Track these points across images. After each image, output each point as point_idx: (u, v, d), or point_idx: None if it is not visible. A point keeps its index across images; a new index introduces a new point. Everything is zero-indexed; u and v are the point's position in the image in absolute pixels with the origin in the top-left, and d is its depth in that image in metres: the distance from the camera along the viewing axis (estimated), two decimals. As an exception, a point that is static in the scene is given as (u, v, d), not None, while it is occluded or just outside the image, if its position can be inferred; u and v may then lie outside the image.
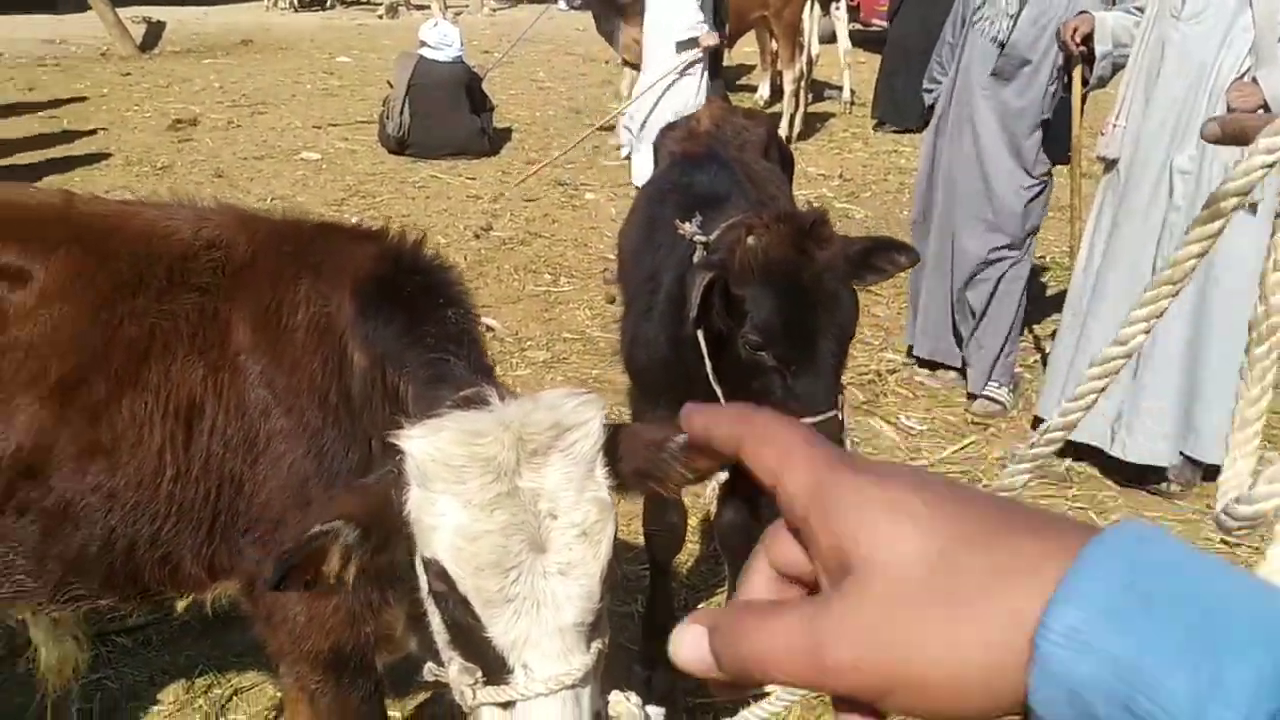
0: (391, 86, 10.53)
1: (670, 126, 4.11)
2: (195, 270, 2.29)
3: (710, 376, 2.89)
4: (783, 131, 10.34)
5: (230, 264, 2.31)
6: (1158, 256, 4.67)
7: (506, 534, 1.70)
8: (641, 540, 3.80)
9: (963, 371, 5.94)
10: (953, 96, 5.53)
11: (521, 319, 6.63)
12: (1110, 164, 4.86)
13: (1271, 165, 0.57)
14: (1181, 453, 4.87)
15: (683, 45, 7.87)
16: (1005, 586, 0.52)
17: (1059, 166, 5.65)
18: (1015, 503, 0.58)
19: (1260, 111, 4.07)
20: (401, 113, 10.17)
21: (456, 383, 1.99)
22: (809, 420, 2.69)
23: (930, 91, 5.74)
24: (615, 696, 1.93)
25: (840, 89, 13.20)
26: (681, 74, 7.90)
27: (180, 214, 2.41)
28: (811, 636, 0.57)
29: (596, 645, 1.80)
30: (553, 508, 1.72)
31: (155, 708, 3.53)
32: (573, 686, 1.74)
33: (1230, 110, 4.15)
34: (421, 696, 3.58)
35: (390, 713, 2.66)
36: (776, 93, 12.32)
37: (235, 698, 3.59)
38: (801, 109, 11.61)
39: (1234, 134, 2.63)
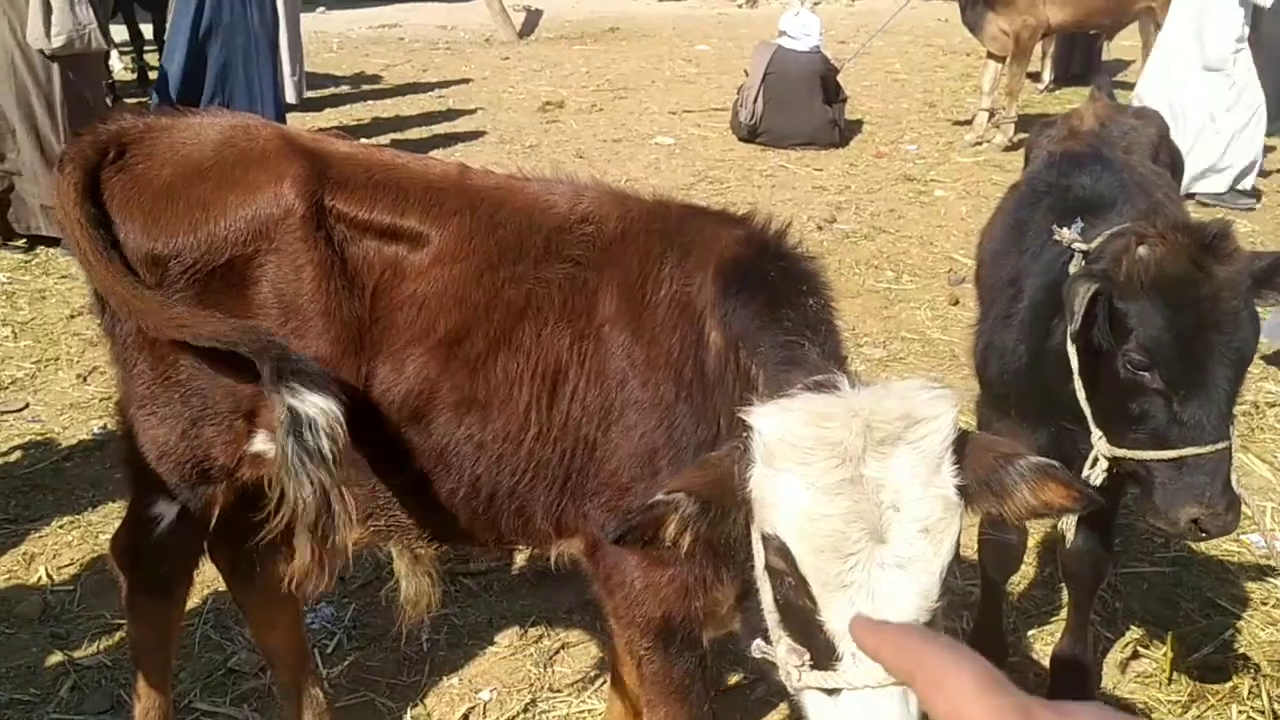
0: (747, 75, 10.66)
1: (1048, 124, 3.85)
2: (570, 242, 2.41)
3: (1079, 395, 2.69)
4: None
5: (601, 238, 2.41)
6: None
7: (846, 520, 1.68)
8: (974, 554, 3.63)
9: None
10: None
11: (859, 315, 6.51)
12: None
13: None
14: None
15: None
16: None
17: None
18: None
19: None
20: (755, 101, 10.27)
21: (809, 368, 1.99)
22: (1196, 451, 2.44)
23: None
24: None
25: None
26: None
27: (559, 189, 2.54)
28: None
29: None
30: (896, 499, 1.69)
31: (491, 649, 3.79)
32: (902, 684, 1.69)
33: None
34: (736, 679, 3.62)
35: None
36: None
37: (562, 651, 3.78)
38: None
39: None
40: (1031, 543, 3.95)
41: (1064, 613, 3.73)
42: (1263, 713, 3.51)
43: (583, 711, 3.52)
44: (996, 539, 3.40)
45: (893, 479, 1.70)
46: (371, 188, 2.45)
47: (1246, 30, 8.56)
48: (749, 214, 2.46)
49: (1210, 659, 3.74)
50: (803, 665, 1.80)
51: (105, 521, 4.35)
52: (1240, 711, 3.52)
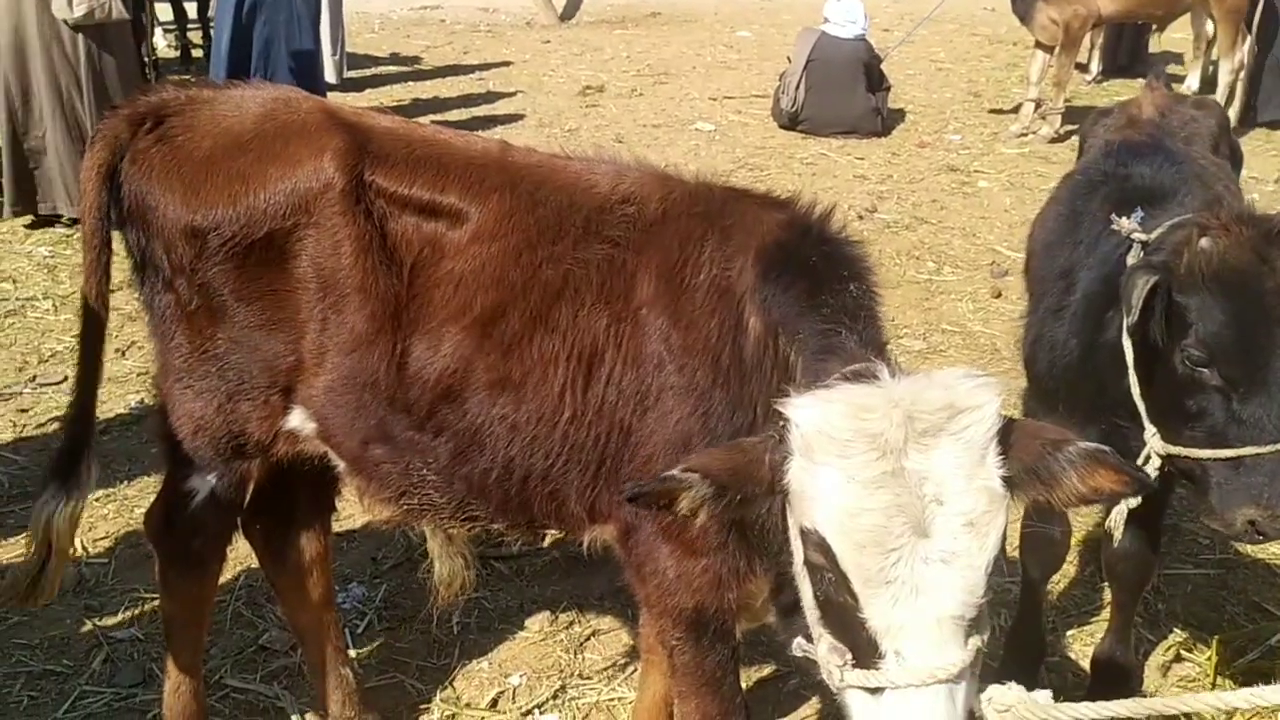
0: (790, 61, 10.54)
1: (1103, 113, 3.75)
2: (610, 223, 2.37)
3: (1133, 390, 2.61)
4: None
5: (642, 220, 2.37)
6: None
7: (889, 514, 1.65)
8: (1014, 550, 3.55)
9: None
10: None
11: (899, 306, 6.42)
12: None
13: None
14: None
15: None
16: None
17: None
18: None
19: None
20: (797, 88, 10.16)
21: (846, 356, 1.95)
22: (1255, 450, 2.37)
23: None
24: (997, 688, 1.81)
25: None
26: None
27: (601, 169, 2.50)
28: None
29: (975, 642, 1.71)
30: (939, 492, 1.66)
31: (521, 633, 3.77)
32: (946, 681, 1.65)
33: None
34: (768, 670, 3.57)
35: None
36: (1206, 85, 11.07)
37: (593, 638, 3.76)
38: (1239, 103, 10.38)
39: None
40: (1074, 541, 3.86)
41: (1105, 613, 3.67)
42: (1309, 720, 3.42)
43: (613, 699, 3.49)
44: (1039, 535, 3.33)
45: (936, 471, 1.66)
46: (412, 163, 2.43)
47: None
48: (792, 198, 2.41)
49: (1256, 664, 3.66)
50: (845, 665, 1.77)
51: (141, 495, 4.37)
52: (1287, 719, 3.44)
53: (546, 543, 4.14)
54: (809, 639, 1.90)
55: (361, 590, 3.94)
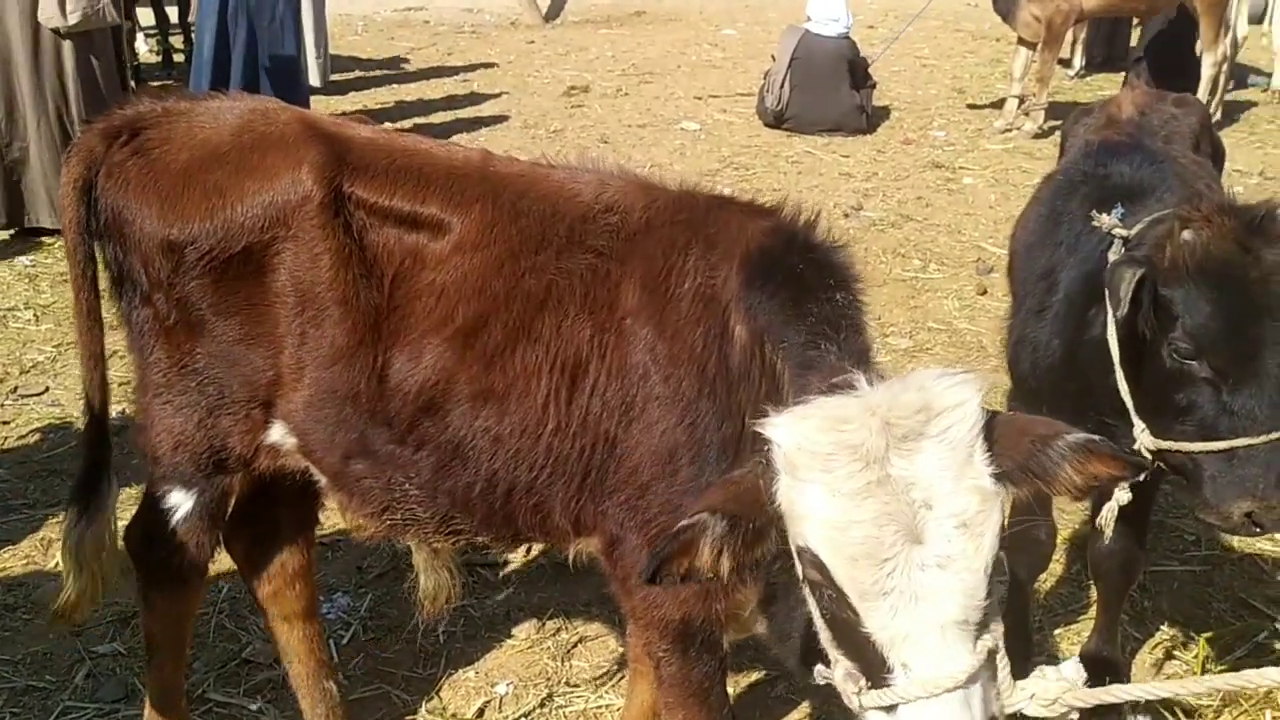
0: (774, 60, 10.53)
1: (1084, 112, 3.75)
2: (593, 232, 2.35)
3: (1120, 387, 2.60)
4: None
5: (626, 229, 2.35)
6: None
7: (879, 524, 1.63)
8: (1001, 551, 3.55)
9: None
10: None
11: (885, 304, 6.41)
12: None
13: None
14: None
15: None
16: None
17: None
18: None
19: None
20: (782, 86, 10.14)
21: (826, 370, 1.93)
22: (1248, 441, 2.37)
23: None
24: (1034, 682, 1.80)
25: (1268, 76, 11.71)
26: None
27: (584, 177, 2.48)
28: None
29: (985, 643, 1.68)
30: (928, 496, 1.64)
31: (509, 641, 3.75)
32: (957, 689, 1.63)
33: None
34: (755, 676, 3.56)
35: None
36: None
37: (580, 645, 3.73)
38: (1220, 96, 10.41)
39: None
40: (1060, 539, 3.86)
41: (1092, 612, 3.66)
42: (1297, 717, 3.42)
43: (600, 706, 3.47)
44: (1025, 535, 3.33)
45: (922, 475, 1.64)
46: (392, 174, 2.41)
47: None
48: (778, 204, 2.39)
49: (1243, 662, 3.65)
50: (860, 689, 1.74)
51: (123, 508, 4.23)
52: (1274, 716, 3.44)
53: (532, 551, 4.12)
54: (827, 664, 1.87)
55: (346, 600, 3.92)
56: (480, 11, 16.93)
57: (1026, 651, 3.52)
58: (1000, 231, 7.64)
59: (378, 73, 12.53)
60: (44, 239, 7.02)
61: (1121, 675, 3.53)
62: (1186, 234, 2.43)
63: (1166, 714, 3.48)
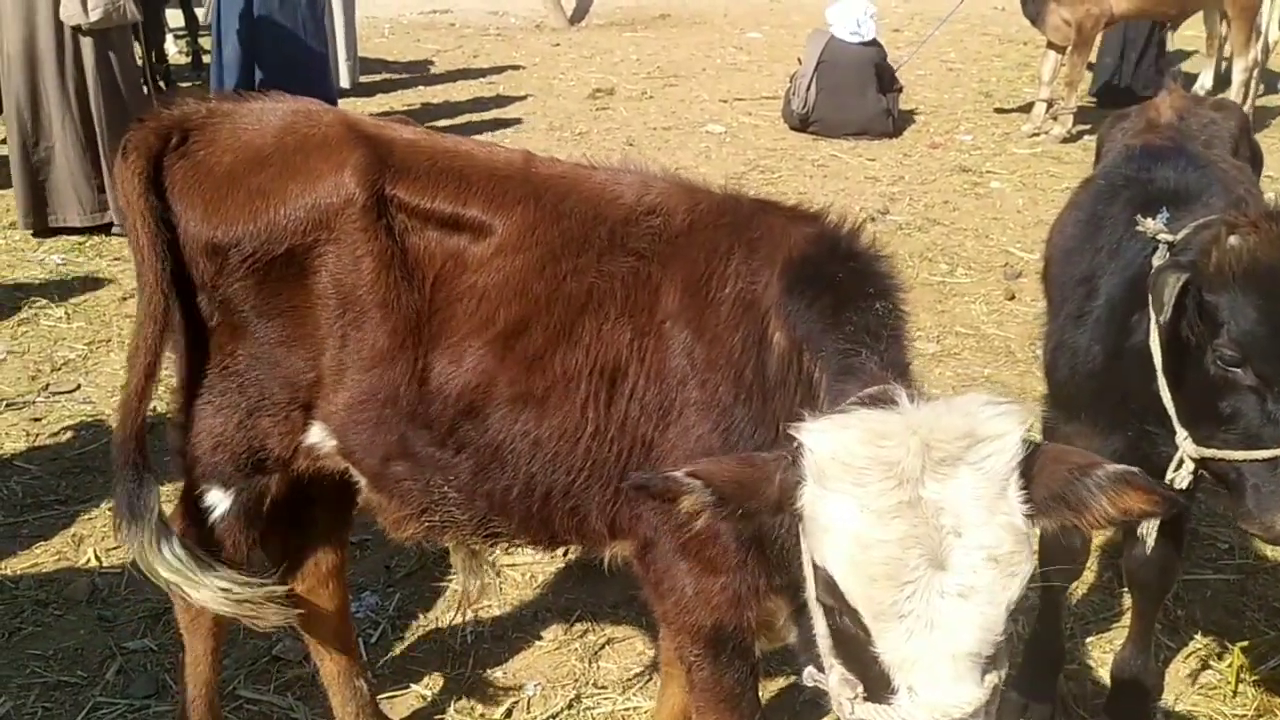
0: (800, 63, 10.51)
1: (1122, 116, 3.72)
2: (635, 235, 2.34)
3: (1163, 394, 2.58)
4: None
5: (668, 232, 2.34)
6: None
7: (904, 545, 1.61)
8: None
9: None
10: None
11: (913, 308, 6.32)
12: None
13: None
14: None
15: None
16: None
17: None
18: None
19: None
20: (808, 89, 10.12)
21: (866, 378, 1.92)
22: None
23: None
24: None
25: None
26: None
27: (627, 179, 2.47)
28: None
29: (992, 679, 1.66)
30: (957, 524, 1.61)
31: (536, 643, 3.75)
32: (962, 718, 1.62)
33: None
34: (784, 682, 3.55)
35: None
36: (1220, 83, 11.01)
37: (608, 647, 3.73)
38: (1252, 101, 10.32)
39: None
40: (1093, 547, 3.83)
41: (1125, 620, 3.63)
42: (1332, 729, 3.39)
43: (628, 709, 3.47)
44: (1059, 542, 3.30)
45: (954, 502, 1.62)
46: (434, 176, 2.41)
47: None
48: (821, 211, 2.37)
49: (1278, 672, 3.62)
50: (856, 698, 1.73)
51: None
52: (1309, 728, 3.41)
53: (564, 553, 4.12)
54: (820, 668, 1.87)
55: (375, 599, 3.93)
56: (505, 14, 16.98)
57: (1059, 660, 3.50)
58: (1028, 236, 7.61)
59: (404, 75, 12.59)
60: (74, 238, 7.08)
61: (1154, 688, 3.50)
62: (1233, 239, 2.40)
63: (1200, 722, 3.46)
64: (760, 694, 2.57)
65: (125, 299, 6.24)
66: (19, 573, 3.96)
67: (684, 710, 2.86)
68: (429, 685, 3.56)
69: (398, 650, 3.71)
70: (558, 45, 14.74)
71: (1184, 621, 3.90)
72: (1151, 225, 2.63)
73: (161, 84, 8.77)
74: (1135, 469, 1.74)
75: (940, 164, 9.44)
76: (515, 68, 13.09)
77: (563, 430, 2.33)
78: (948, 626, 1.60)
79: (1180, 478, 2.62)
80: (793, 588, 2.17)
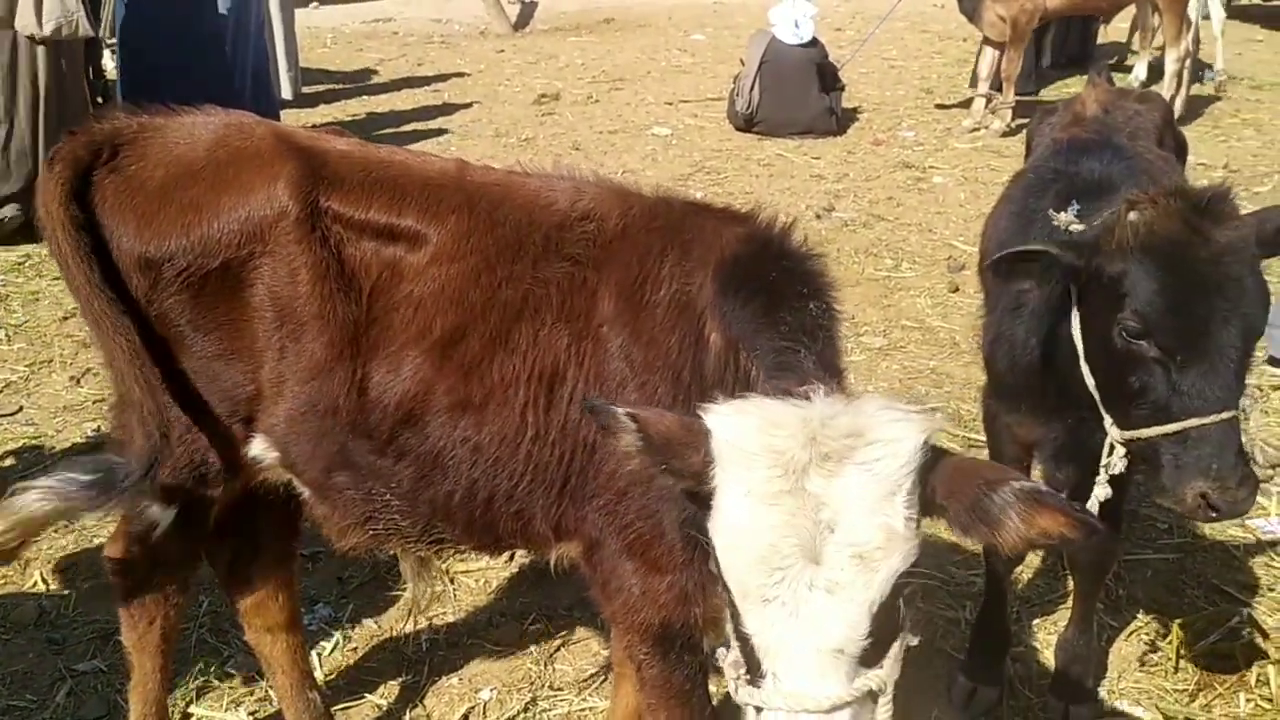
0: (743, 64, 10.59)
1: (1049, 111, 3.80)
2: (569, 240, 2.37)
3: (1086, 378, 2.63)
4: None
5: (602, 236, 2.37)
6: None
7: (779, 533, 1.63)
8: (976, 543, 3.60)
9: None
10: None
11: (859, 304, 6.46)
12: None
13: None
14: None
15: None
16: None
17: None
18: None
19: None
20: (751, 90, 10.20)
21: (800, 376, 1.93)
22: (1198, 422, 2.38)
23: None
24: None
25: (1209, 67, 11.84)
26: None
27: (561, 185, 2.49)
28: None
29: (866, 681, 1.67)
30: (834, 519, 1.63)
31: (491, 648, 3.76)
32: (815, 713, 1.65)
33: None
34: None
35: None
36: (1152, 74, 11.24)
37: (563, 649, 3.75)
38: (1184, 91, 10.55)
39: None
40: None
41: (1069, 602, 3.71)
42: (1271, 700, 3.48)
43: (584, 709, 3.49)
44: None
45: (835, 498, 1.63)
46: (368, 186, 2.41)
47: None
48: (752, 211, 2.40)
49: (1217, 646, 3.72)
50: (739, 679, 1.76)
51: (100, 525, 4.30)
52: (1249, 699, 3.50)
53: (514, 557, 4.13)
54: (728, 648, 1.88)
55: (328, 611, 3.92)
56: (449, 21, 16.91)
57: (1005, 643, 3.57)
58: (971, 229, 7.72)
59: (348, 85, 12.50)
60: (14, 257, 6.96)
61: (1097, 667, 3.58)
62: (1132, 215, 2.43)
63: (1141, 699, 3.54)
64: (711, 690, 2.60)
65: (66, 318, 6.15)
66: (-25, 595, 3.91)
67: (637, 709, 2.87)
68: (384, 694, 3.56)
69: (352, 660, 3.70)
70: (502, 51, 14.71)
71: (1125, 601, 3.99)
72: (1063, 218, 2.68)
73: (99, 99, 8.63)
74: (1044, 487, 1.69)
75: (884, 160, 9.56)
76: (460, 75, 13.05)
77: (503, 435, 2.34)
78: (812, 619, 1.62)
79: (1115, 463, 2.64)
80: None
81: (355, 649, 3.75)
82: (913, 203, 8.46)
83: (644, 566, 2.35)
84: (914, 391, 5.53)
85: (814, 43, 10.43)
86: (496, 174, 2.57)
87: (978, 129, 10.36)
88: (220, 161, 2.41)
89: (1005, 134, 10.12)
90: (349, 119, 10.69)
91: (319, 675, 3.47)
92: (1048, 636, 3.78)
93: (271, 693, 3.42)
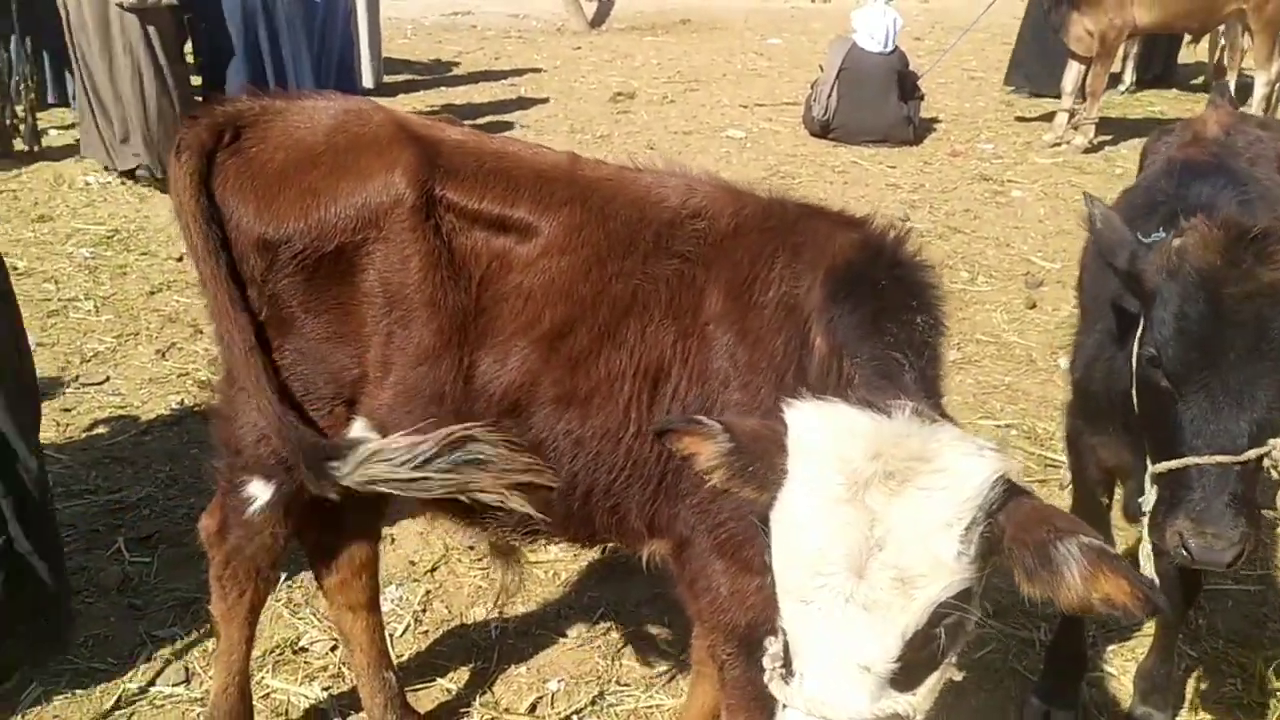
0: (822, 70, 10.54)
1: (1167, 130, 3.70)
2: (680, 238, 2.37)
3: (1134, 399, 2.53)
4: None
5: (712, 235, 2.37)
6: None
7: (830, 539, 1.62)
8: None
9: None
10: None
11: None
12: None
13: None
14: None
15: None
16: None
17: None
18: None
19: None
20: (829, 96, 10.15)
21: (895, 390, 1.90)
22: (1194, 461, 2.26)
23: None
24: None
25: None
26: None
27: (672, 182, 2.49)
28: None
29: (891, 704, 1.64)
30: (884, 538, 1.60)
31: (560, 640, 3.78)
32: None
33: None
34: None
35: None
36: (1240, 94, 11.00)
37: (630, 645, 3.76)
38: (1272, 114, 10.31)
39: None
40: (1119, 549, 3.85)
41: (1147, 628, 3.64)
42: (1353, 743, 3.40)
43: (651, 706, 3.49)
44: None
45: (890, 517, 1.60)
46: (482, 177, 2.43)
47: None
48: (867, 217, 2.39)
49: (1300, 685, 3.63)
50: (773, 671, 1.76)
51: (182, 496, 4.41)
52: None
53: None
54: (775, 638, 1.85)
55: (400, 592, 3.96)
56: (526, 17, 17.05)
57: (1081, 667, 3.52)
58: (1050, 245, 7.63)
59: (427, 75, 12.68)
60: (104, 230, 7.15)
61: (1176, 697, 3.51)
62: (1176, 240, 2.35)
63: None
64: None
65: (153, 293, 6.30)
66: (51, 561, 4.00)
67: (714, 708, 2.88)
68: (454, 679, 3.59)
69: (424, 644, 3.74)
70: (578, 48, 14.79)
71: (1205, 631, 3.91)
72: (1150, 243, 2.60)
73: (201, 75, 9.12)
74: (1110, 549, 1.62)
75: (961, 172, 9.46)
76: (536, 70, 13.15)
77: (605, 430, 2.36)
78: (845, 631, 1.61)
79: (1148, 499, 2.47)
80: None
81: (426, 632, 3.80)
82: (990, 216, 8.36)
83: (734, 566, 2.34)
84: (987, 407, 5.47)
85: (894, 51, 10.35)
86: (608, 169, 2.58)
87: (1059, 144, 10.22)
88: (339, 147, 2.45)
89: (1087, 150, 9.97)
90: (427, 110, 10.78)
91: (393, 656, 3.51)
92: (1124, 663, 3.72)
93: (344, 669, 3.47)
